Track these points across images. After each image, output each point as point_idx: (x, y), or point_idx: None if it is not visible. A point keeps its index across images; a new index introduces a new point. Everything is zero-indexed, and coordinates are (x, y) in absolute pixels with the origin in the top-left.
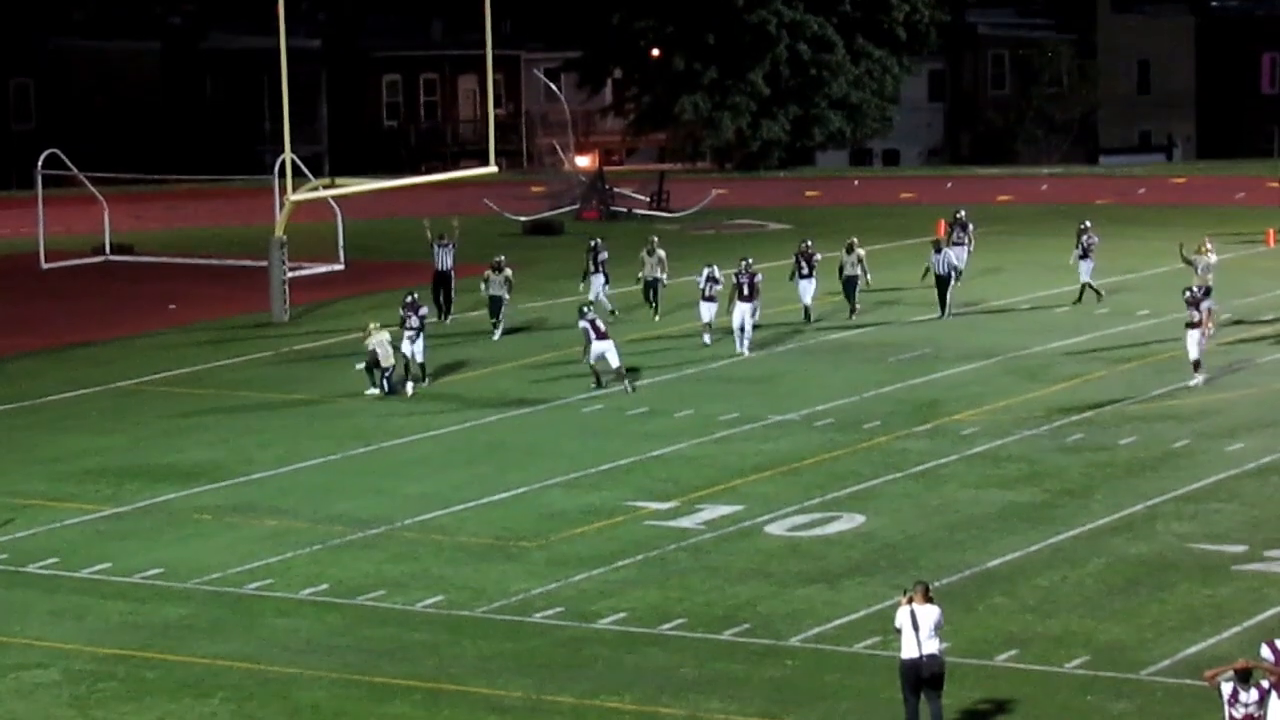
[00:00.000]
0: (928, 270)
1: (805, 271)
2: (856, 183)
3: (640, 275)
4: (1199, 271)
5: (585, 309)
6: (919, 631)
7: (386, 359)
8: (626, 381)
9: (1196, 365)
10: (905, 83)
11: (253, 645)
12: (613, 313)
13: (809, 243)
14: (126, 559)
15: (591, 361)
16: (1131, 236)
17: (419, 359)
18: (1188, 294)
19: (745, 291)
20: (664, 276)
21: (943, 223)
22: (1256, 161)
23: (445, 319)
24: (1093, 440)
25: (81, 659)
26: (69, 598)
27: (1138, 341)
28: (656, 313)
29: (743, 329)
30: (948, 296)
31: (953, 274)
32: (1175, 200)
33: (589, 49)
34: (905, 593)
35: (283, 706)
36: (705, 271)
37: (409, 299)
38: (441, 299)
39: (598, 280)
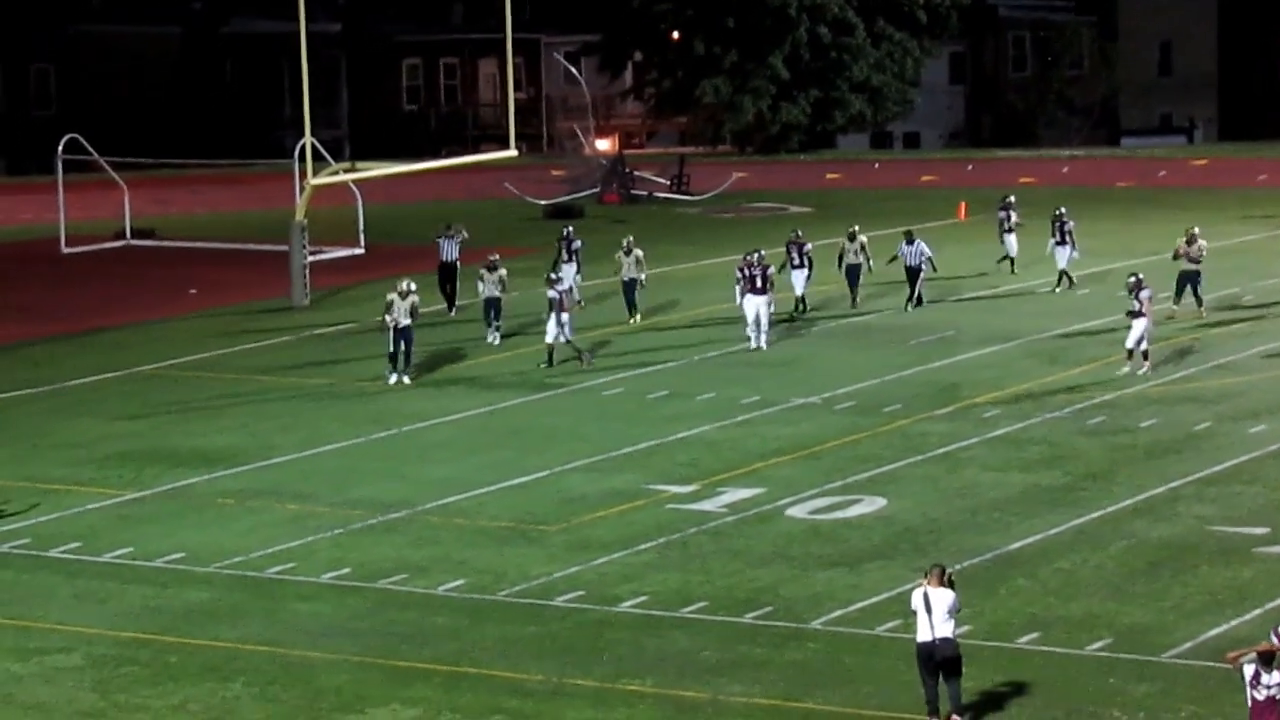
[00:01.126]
0: (894, 258)
1: (797, 261)
2: (877, 166)
3: (618, 276)
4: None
5: (553, 277)
6: (932, 615)
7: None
8: (584, 356)
9: (1144, 354)
10: (926, 65)
11: (274, 629)
12: (580, 304)
13: (799, 232)
14: (148, 543)
15: (549, 339)
16: (1152, 219)
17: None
18: (1131, 279)
19: (759, 284)
20: (643, 277)
21: (964, 205)
22: (1278, 143)
23: (451, 311)
24: (1114, 423)
25: (104, 643)
26: (91, 582)
27: (1158, 323)
28: (634, 314)
29: (758, 322)
30: (918, 288)
31: (925, 265)
32: (1196, 183)
33: (609, 32)
34: (926, 575)
35: (304, 690)
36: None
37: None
38: (447, 290)
39: (569, 269)
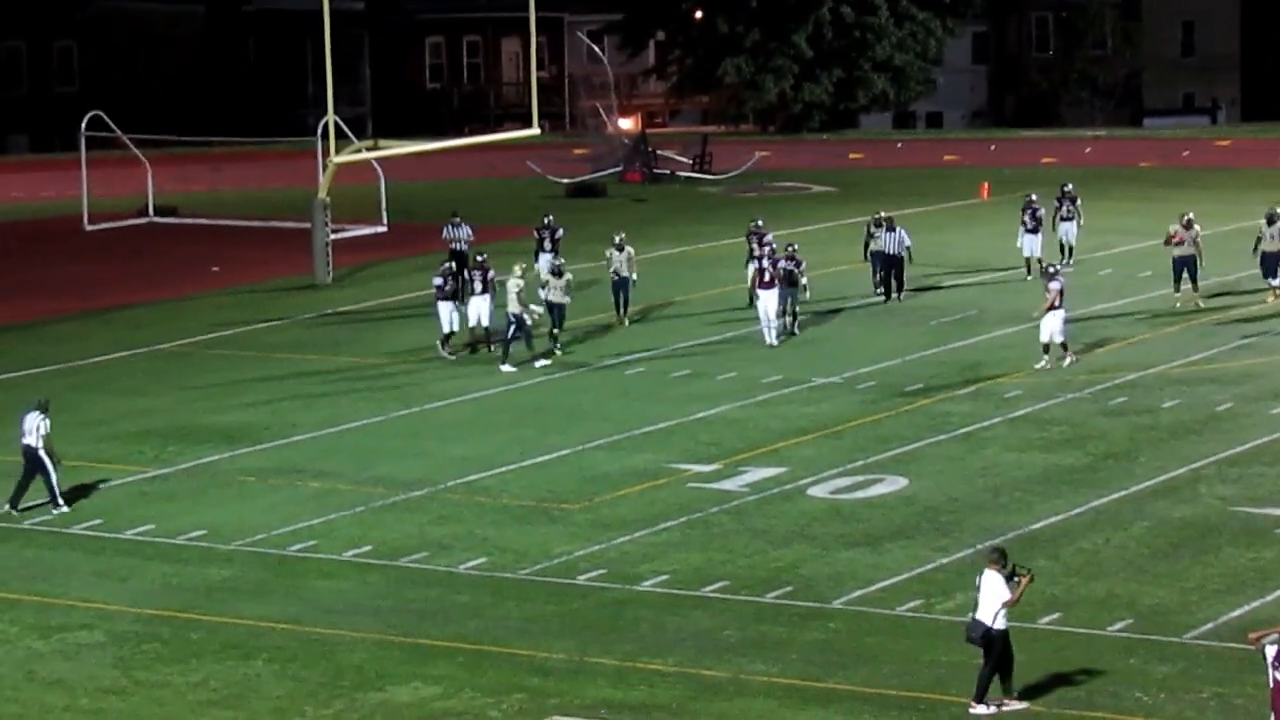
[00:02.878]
0: (869, 243)
1: (757, 253)
2: (900, 145)
3: (610, 272)
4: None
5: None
6: (979, 593)
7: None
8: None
9: (1062, 347)
10: (949, 45)
11: (296, 606)
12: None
13: (759, 221)
14: (170, 520)
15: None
16: (1175, 200)
17: (484, 322)
18: (1051, 268)
19: (767, 278)
20: (634, 276)
21: (986, 185)
22: None
23: (463, 299)
24: (1136, 403)
25: (125, 620)
26: (113, 559)
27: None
28: (624, 316)
29: (771, 317)
30: (903, 278)
31: (905, 255)
32: (1219, 163)
33: (631, 11)
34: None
35: (326, 667)
36: (786, 250)
37: (479, 258)
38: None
39: (545, 258)
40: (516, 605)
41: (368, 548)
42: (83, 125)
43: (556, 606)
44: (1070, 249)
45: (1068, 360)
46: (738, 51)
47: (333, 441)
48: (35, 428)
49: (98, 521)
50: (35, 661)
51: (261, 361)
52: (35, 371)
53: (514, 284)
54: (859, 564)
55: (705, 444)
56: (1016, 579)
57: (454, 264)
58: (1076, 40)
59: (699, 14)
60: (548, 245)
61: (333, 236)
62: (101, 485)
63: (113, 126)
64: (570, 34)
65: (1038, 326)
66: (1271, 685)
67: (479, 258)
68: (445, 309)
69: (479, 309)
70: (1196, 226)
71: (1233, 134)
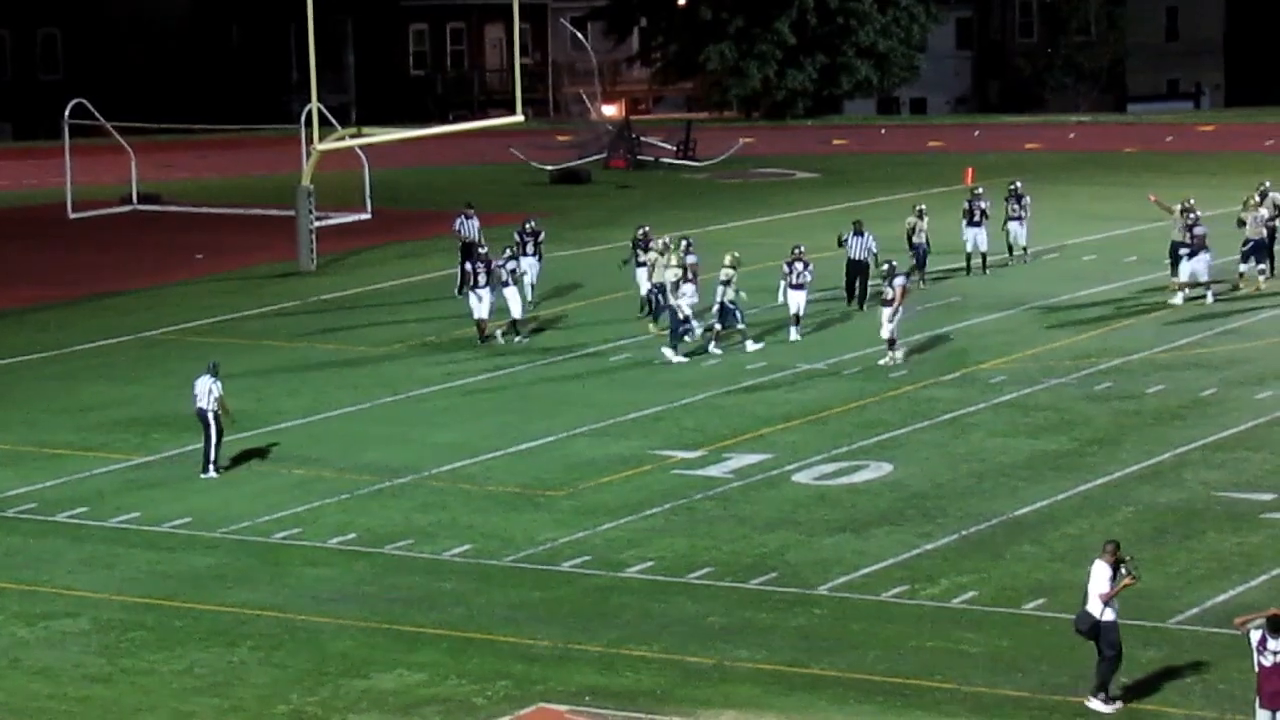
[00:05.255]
0: (841, 245)
1: (640, 259)
2: (884, 131)
3: (649, 278)
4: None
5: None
6: (1089, 584)
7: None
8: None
9: (891, 344)
10: (933, 31)
11: (281, 594)
12: (533, 303)
13: (645, 229)
14: (155, 508)
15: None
16: (1160, 184)
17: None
18: (885, 266)
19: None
20: (682, 284)
21: (970, 171)
22: None
23: (461, 291)
24: (1121, 388)
25: (110, 608)
26: (98, 547)
27: (1165, 289)
28: (653, 320)
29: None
30: (867, 285)
31: (870, 260)
32: (1203, 148)
33: None
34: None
35: (311, 655)
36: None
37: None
38: (468, 268)
39: (530, 261)
40: (501, 592)
41: (353, 535)
42: (66, 113)
43: (542, 593)
44: (1019, 249)
45: (889, 358)
46: (721, 38)
47: (318, 429)
48: (207, 390)
49: (82, 509)
50: (20, 649)
51: (246, 348)
52: (20, 359)
53: (724, 273)
54: (844, 550)
55: (690, 430)
56: (1124, 572)
57: (461, 255)
58: (1060, 26)
59: (683, 0)
60: (530, 249)
61: (317, 223)
62: (86, 473)
63: (96, 114)
64: (554, 21)
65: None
66: (1256, 670)
67: (481, 250)
68: (483, 296)
69: (479, 301)
70: (1195, 214)
71: (1217, 119)
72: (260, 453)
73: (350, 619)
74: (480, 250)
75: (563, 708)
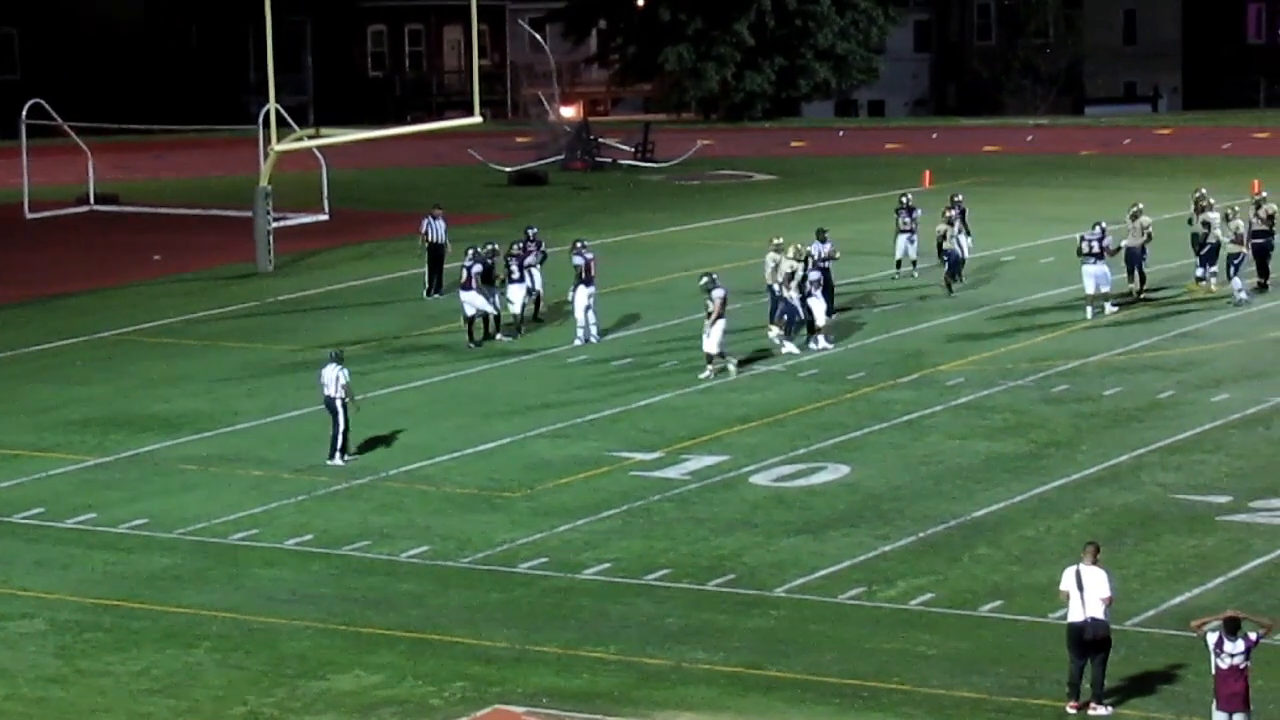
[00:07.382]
0: (808, 255)
1: (515, 275)
2: (842, 133)
3: (770, 282)
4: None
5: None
6: (1084, 593)
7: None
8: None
9: (710, 358)
10: (891, 33)
11: (238, 595)
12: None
13: (532, 230)
14: (112, 509)
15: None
16: (1116, 187)
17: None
18: (704, 280)
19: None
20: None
21: (929, 173)
22: (1242, 112)
23: (431, 295)
24: (1078, 391)
25: (67, 609)
26: (54, 548)
27: (1121, 291)
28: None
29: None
30: (832, 294)
31: (828, 267)
32: (1160, 151)
33: None
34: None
35: (268, 656)
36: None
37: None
38: (436, 272)
39: (518, 290)
40: (459, 593)
41: (309, 536)
42: (23, 113)
43: (499, 595)
44: (908, 263)
45: (707, 372)
46: (679, 40)
47: (275, 430)
48: (335, 379)
49: (38, 510)
50: None
51: (203, 349)
52: None
53: (788, 265)
54: (801, 552)
55: (647, 432)
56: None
57: (429, 257)
58: (1019, 29)
59: (641, 2)
60: (517, 273)
61: (274, 224)
62: (42, 474)
63: (54, 114)
64: (512, 22)
65: (703, 337)
66: (1213, 672)
67: (469, 251)
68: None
69: (473, 301)
70: (1145, 219)
71: (1174, 122)
72: (217, 454)
73: (307, 620)
74: (515, 246)
75: (520, 709)
